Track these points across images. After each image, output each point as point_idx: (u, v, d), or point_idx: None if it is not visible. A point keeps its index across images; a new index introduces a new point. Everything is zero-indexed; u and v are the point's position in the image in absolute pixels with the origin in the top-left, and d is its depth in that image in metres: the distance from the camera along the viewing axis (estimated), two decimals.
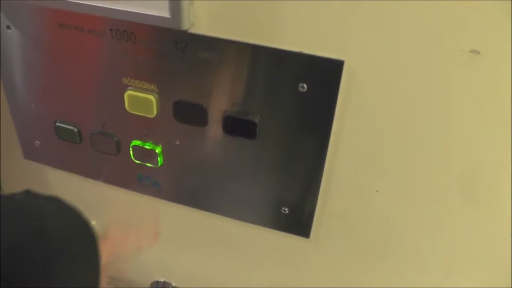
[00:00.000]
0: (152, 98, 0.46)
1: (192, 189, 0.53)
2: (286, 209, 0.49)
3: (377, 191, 0.45)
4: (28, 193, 0.44)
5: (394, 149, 0.42)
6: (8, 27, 0.48)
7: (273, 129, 0.44)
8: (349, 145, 0.43)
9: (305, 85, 0.40)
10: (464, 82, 0.36)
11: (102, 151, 0.54)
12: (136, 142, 0.51)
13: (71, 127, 0.53)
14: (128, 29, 0.43)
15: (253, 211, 0.52)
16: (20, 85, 0.53)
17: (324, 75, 0.39)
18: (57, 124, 0.54)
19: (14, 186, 0.69)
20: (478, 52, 0.35)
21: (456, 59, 0.36)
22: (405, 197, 0.44)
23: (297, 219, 0.50)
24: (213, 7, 0.40)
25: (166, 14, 0.39)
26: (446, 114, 0.39)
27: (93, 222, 0.65)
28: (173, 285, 0.67)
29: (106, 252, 0.67)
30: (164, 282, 0.68)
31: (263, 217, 0.52)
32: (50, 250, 0.37)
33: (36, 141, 0.58)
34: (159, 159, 0.51)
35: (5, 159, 0.65)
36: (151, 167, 0.53)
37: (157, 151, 0.51)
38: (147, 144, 0.51)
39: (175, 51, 0.43)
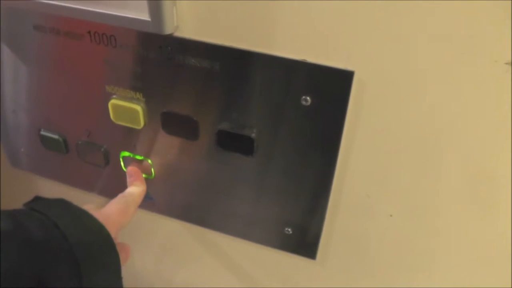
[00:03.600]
0: (138, 108, 0.41)
1: (186, 204, 0.48)
2: (289, 229, 0.44)
3: (391, 215, 0.39)
4: (38, 199, 0.39)
5: (409, 168, 0.36)
6: None
7: (273, 146, 0.39)
8: (359, 164, 0.38)
9: (308, 98, 0.35)
10: (491, 96, 0.31)
11: (89, 162, 0.49)
12: (126, 154, 0.46)
13: (56, 137, 0.49)
14: (107, 32, 0.38)
15: (253, 230, 0.47)
16: (1, 90, 0.49)
17: (330, 87, 0.34)
18: (42, 133, 0.49)
19: (7, 194, 0.65)
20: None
21: (489, 71, 0.30)
22: (419, 220, 0.39)
23: (302, 240, 0.45)
24: (200, 8, 0.34)
25: (145, 16, 0.34)
26: (465, 129, 0.33)
27: None
28: None
29: None
30: None
31: (264, 236, 0.47)
32: (73, 254, 0.32)
33: (22, 149, 0.54)
34: (152, 170, 0.46)
35: None
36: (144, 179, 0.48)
37: (150, 162, 0.46)
38: (138, 156, 0.46)
39: (160, 57, 0.37)
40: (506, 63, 0.29)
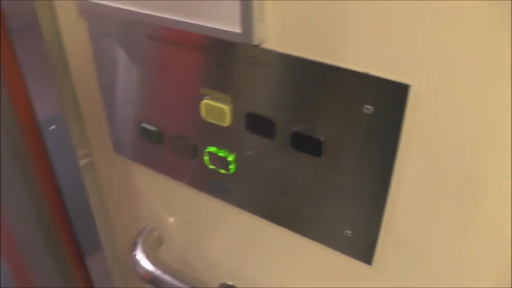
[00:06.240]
0: (225, 108, 0.48)
1: (259, 198, 0.54)
2: (349, 231, 0.49)
3: (441, 227, 0.43)
4: None
5: (461, 180, 0.40)
6: (104, 35, 0.53)
7: (338, 149, 0.44)
8: (414, 173, 0.42)
9: (370, 106, 0.40)
10: None
11: (180, 154, 0.57)
12: (211, 149, 0.53)
13: (154, 129, 0.57)
14: (206, 42, 0.45)
15: (316, 229, 0.51)
16: (113, 87, 0.58)
17: (389, 98, 0.39)
18: (142, 125, 0.58)
19: (106, 177, 0.75)
20: None
21: None
22: (469, 233, 0.42)
23: (359, 244, 0.49)
24: (283, 25, 0.40)
25: (238, 29, 0.40)
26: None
27: (171, 219, 0.69)
28: None
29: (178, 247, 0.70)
30: (232, 286, 0.69)
31: (325, 236, 0.51)
32: None
33: (125, 138, 0.63)
34: (231, 166, 0.53)
35: (100, 152, 0.71)
36: (223, 173, 0.54)
37: (229, 159, 0.52)
38: (221, 151, 0.53)
39: (247, 65, 0.44)
40: None
